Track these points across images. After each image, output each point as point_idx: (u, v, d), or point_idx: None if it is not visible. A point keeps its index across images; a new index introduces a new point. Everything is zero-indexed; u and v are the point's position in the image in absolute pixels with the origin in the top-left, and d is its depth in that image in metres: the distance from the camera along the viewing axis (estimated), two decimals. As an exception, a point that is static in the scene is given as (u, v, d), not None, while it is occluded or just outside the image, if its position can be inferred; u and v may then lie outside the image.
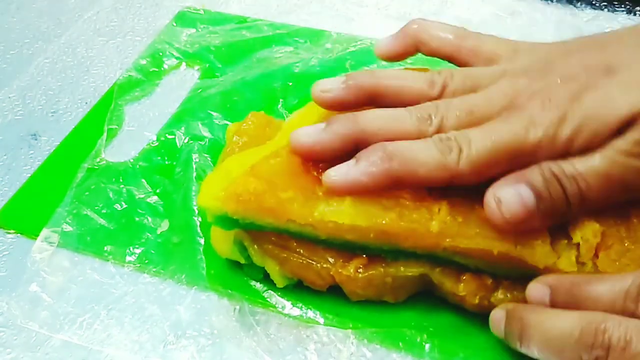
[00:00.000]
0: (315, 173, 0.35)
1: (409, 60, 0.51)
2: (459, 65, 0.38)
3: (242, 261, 0.37)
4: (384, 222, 0.33)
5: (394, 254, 0.34)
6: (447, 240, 0.33)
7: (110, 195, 0.43)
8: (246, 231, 0.36)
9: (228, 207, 0.34)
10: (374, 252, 0.34)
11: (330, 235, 0.34)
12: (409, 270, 0.35)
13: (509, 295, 0.34)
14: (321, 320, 0.36)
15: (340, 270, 0.35)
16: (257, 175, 0.34)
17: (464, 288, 0.34)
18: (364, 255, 0.35)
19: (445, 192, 0.34)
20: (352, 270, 0.35)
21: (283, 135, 0.39)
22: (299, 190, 0.34)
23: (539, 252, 0.32)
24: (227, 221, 0.35)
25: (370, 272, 0.35)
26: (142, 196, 0.43)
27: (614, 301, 0.29)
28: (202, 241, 0.40)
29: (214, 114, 0.48)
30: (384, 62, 0.51)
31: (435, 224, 0.33)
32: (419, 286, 0.36)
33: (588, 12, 0.55)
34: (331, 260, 0.35)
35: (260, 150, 0.38)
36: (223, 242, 0.37)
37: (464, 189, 0.34)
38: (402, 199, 0.34)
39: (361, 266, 0.35)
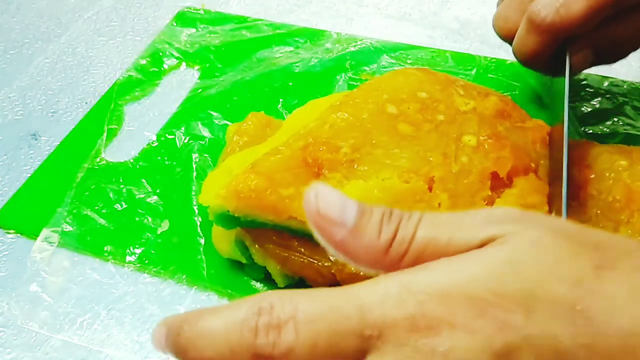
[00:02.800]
0: (316, 169, 0.35)
1: (408, 61, 0.52)
2: None
3: (244, 261, 0.37)
4: None
5: None
6: None
7: (110, 195, 0.43)
8: (247, 231, 0.36)
9: (229, 205, 0.34)
10: None
11: None
12: None
13: None
14: (321, 321, 0.36)
15: (341, 269, 0.35)
16: (257, 172, 0.34)
17: None
18: None
19: (446, 187, 0.34)
20: (353, 268, 0.35)
21: (283, 132, 0.39)
22: (300, 187, 0.34)
23: None
24: (229, 219, 0.35)
25: None
26: (142, 196, 0.43)
27: (229, 334, 0.22)
28: (202, 241, 0.40)
29: (214, 114, 0.48)
30: (384, 62, 0.52)
31: None
32: None
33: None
34: (332, 258, 0.35)
35: (261, 147, 0.38)
36: (224, 241, 0.37)
37: (466, 184, 0.34)
38: (402, 195, 0.34)
39: None
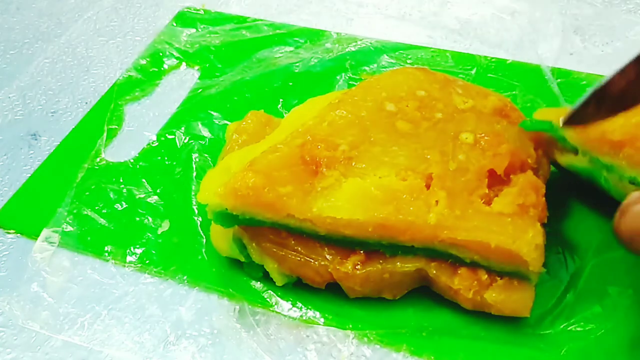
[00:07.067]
0: (314, 167, 0.35)
1: (408, 60, 0.52)
2: None
3: (242, 259, 0.37)
4: (381, 215, 0.33)
5: (392, 249, 0.34)
6: (445, 232, 0.33)
7: (111, 195, 0.43)
8: (244, 229, 0.36)
9: (227, 203, 0.34)
10: (372, 247, 0.35)
11: (330, 231, 0.34)
12: (406, 266, 0.35)
13: (503, 294, 0.34)
14: (321, 320, 0.36)
15: (338, 267, 0.35)
16: (255, 170, 0.35)
17: (459, 282, 0.34)
18: (362, 252, 0.35)
19: (443, 185, 0.34)
20: (350, 267, 0.35)
21: (281, 130, 0.39)
22: (297, 185, 0.34)
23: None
24: (227, 217, 0.35)
25: (368, 269, 0.35)
26: (143, 196, 0.43)
27: None
28: (202, 241, 0.40)
29: (214, 113, 0.48)
30: (383, 62, 0.52)
31: (433, 216, 0.33)
32: (417, 282, 0.36)
33: (590, 13, 0.55)
34: (329, 257, 0.35)
35: (259, 146, 0.38)
36: (223, 240, 0.37)
37: (463, 182, 0.34)
38: (399, 192, 0.34)
39: (359, 263, 0.35)
